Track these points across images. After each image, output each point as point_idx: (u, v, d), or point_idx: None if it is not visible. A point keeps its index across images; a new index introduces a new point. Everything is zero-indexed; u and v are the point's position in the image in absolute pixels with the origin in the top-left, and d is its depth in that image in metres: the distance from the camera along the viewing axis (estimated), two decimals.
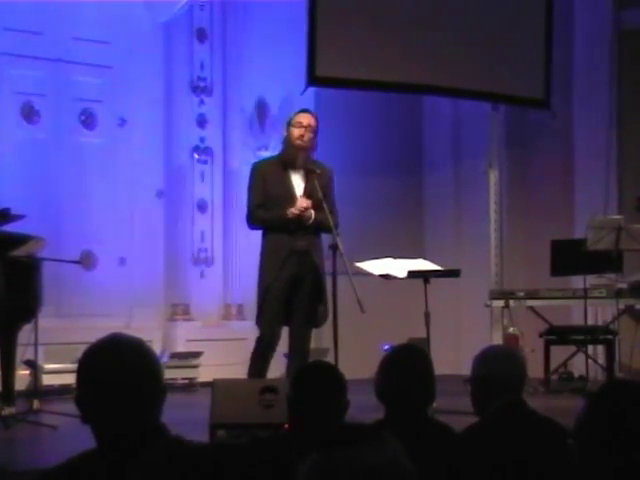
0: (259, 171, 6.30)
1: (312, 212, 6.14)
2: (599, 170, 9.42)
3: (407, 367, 3.36)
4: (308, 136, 6.23)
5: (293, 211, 6.11)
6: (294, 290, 6.18)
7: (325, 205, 6.07)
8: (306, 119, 6.28)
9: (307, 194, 6.19)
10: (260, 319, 6.18)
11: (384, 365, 3.41)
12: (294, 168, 6.24)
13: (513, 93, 8.81)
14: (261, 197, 6.20)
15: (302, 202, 6.15)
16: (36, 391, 6.75)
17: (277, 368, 6.39)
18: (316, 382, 3.13)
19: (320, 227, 6.22)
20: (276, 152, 6.72)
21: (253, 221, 6.29)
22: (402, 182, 10.29)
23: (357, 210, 9.55)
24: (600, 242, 7.56)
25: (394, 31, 8.13)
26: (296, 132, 6.23)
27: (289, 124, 6.33)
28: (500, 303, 8.29)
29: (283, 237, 6.16)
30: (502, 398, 3.42)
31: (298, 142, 6.22)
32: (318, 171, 6.22)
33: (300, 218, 6.13)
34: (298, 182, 6.25)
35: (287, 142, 6.30)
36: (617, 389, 1.97)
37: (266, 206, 6.19)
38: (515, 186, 9.85)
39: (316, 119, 6.38)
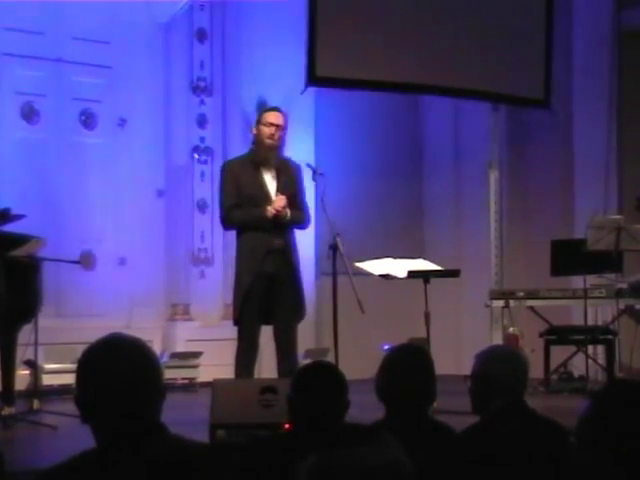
0: (231, 170, 6.28)
1: (288, 211, 6.18)
2: (599, 170, 9.41)
3: (407, 367, 3.36)
4: (278, 135, 6.24)
5: (271, 210, 6.12)
6: (273, 289, 6.18)
7: (296, 202, 6.22)
8: (276, 118, 6.27)
9: (280, 192, 6.21)
10: (241, 319, 6.14)
11: (384, 365, 3.41)
12: (266, 167, 6.25)
13: (513, 93, 8.81)
14: (235, 197, 6.19)
15: (280, 201, 6.15)
16: (36, 391, 6.74)
17: (274, 368, 6.39)
18: (317, 382, 3.13)
19: (295, 225, 6.29)
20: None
21: (228, 222, 6.28)
22: (402, 182, 10.29)
23: (357, 210, 9.56)
24: (600, 242, 7.56)
25: (394, 31, 8.12)
26: (267, 131, 6.21)
27: (259, 122, 6.30)
28: (500, 303, 8.28)
29: (260, 236, 6.15)
30: (503, 398, 3.42)
31: (269, 141, 6.21)
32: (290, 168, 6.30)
33: (277, 217, 6.14)
34: (270, 180, 6.26)
35: (257, 141, 6.27)
36: (621, 389, 1.97)
37: (240, 206, 6.19)
38: (515, 186, 9.85)
39: (285, 117, 6.41)
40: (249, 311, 6.13)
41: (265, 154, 6.23)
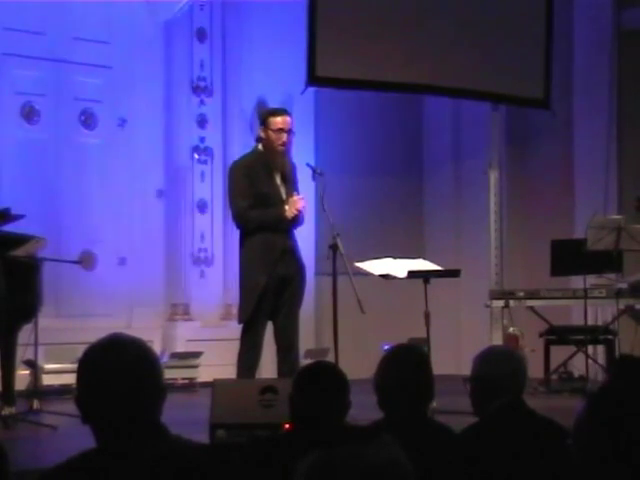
0: (243, 171, 6.25)
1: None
2: (599, 170, 9.41)
3: (404, 367, 3.36)
4: (288, 139, 6.22)
5: (293, 210, 6.13)
6: (282, 289, 6.19)
7: None
8: (284, 123, 6.21)
9: (290, 192, 6.23)
10: (251, 320, 6.13)
11: (382, 365, 3.41)
12: (276, 169, 6.25)
13: (513, 93, 8.81)
14: (249, 197, 6.18)
15: (300, 202, 6.17)
16: (36, 391, 6.74)
17: (274, 368, 6.39)
18: (319, 382, 3.13)
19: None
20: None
21: (245, 222, 6.22)
22: (402, 182, 10.29)
23: (357, 210, 9.56)
24: (600, 242, 7.56)
25: (394, 31, 8.13)
26: (277, 138, 6.18)
27: (266, 126, 6.24)
28: (500, 303, 8.28)
29: (274, 237, 6.17)
30: (502, 399, 3.42)
31: (281, 148, 6.20)
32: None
33: (296, 217, 6.16)
34: (279, 181, 6.28)
35: (267, 146, 6.24)
36: (617, 389, 1.97)
37: (253, 206, 6.18)
38: (515, 186, 9.85)
39: (292, 119, 6.34)
40: (261, 313, 6.12)
41: (276, 159, 6.22)
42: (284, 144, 6.19)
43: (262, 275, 6.13)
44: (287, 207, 6.16)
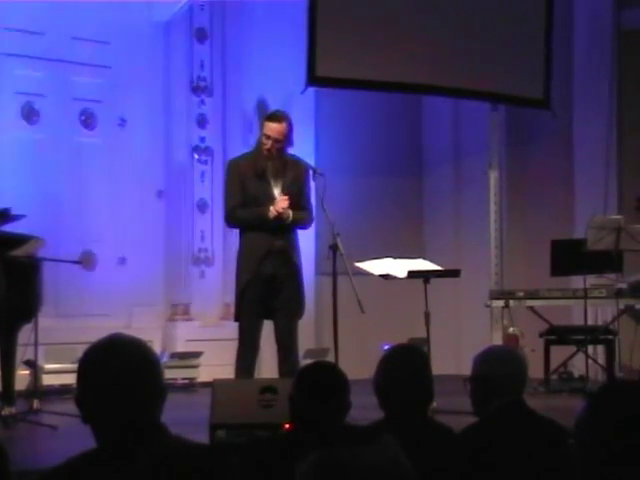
0: (236, 170, 6.30)
1: (290, 211, 6.19)
2: (599, 170, 9.41)
3: (405, 367, 3.36)
4: (274, 146, 6.18)
5: (273, 211, 6.13)
6: (273, 289, 6.20)
7: (301, 202, 6.25)
8: (273, 130, 6.18)
9: (284, 193, 6.22)
10: (239, 319, 6.21)
11: (382, 365, 3.41)
12: (272, 172, 6.25)
13: (513, 93, 8.81)
14: (240, 197, 6.22)
15: (282, 202, 6.17)
16: (36, 391, 6.75)
17: (274, 368, 6.40)
18: (319, 382, 3.13)
19: (297, 225, 6.32)
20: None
21: (232, 221, 6.36)
22: (402, 182, 10.29)
23: (357, 210, 9.56)
24: (600, 242, 7.57)
25: (394, 31, 8.12)
26: (264, 142, 6.21)
27: (261, 127, 6.32)
28: (500, 303, 8.28)
29: (261, 236, 6.19)
30: (502, 398, 3.42)
31: (266, 153, 6.22)
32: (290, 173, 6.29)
33: (279, 217, 6.15)
34: (274, 181, 6.28)
35: (258, 146, 6.30)
36: (617, 389, 1.97)
37: (244, 205, 6.22)
38: (515, 186, 9.85)
39: (287, 123, 6.24)
40: (247, 311, 6.18)
41: (264, 165, 6.24)
42: (268, 149, 6.21)
43: (244, 274, 6.20)
44: (271, 207, 6.17)
